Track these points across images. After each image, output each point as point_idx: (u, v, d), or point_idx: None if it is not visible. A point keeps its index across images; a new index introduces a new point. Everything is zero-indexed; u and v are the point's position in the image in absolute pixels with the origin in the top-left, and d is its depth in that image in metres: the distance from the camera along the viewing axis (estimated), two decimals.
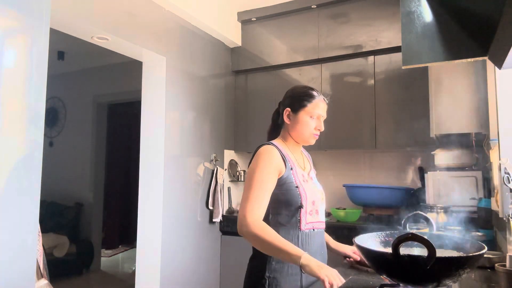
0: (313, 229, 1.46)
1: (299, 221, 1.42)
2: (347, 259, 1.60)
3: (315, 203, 1.47)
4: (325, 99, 1.55)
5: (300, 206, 1.42)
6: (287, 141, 1.53)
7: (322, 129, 1.52)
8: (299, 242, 1.41)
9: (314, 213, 1.46)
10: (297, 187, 1.42)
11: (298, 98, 1.50)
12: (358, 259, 1.53)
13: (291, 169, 1.44)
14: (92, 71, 5.03)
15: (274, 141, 1.51)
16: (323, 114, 1.52)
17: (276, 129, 1.58)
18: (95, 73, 5.01)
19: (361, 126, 3.05)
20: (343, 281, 1.22)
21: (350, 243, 1.24)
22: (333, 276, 1.19)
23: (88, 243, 4.81)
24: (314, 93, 1.51)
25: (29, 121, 1.21)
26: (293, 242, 1.39)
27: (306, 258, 1.23)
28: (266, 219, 1.41)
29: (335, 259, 1.62)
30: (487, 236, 2.02)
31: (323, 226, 1.54)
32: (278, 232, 1.36)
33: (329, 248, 1.62)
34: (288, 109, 1.51)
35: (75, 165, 5.07)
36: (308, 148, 1.64)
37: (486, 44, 1.15)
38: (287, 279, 1.38)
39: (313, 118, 1.49)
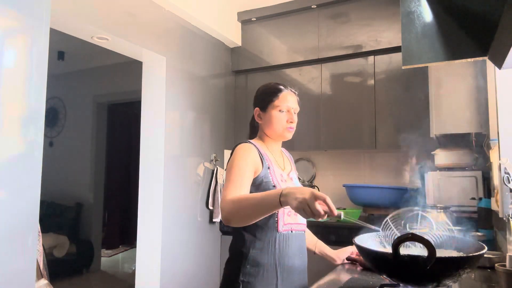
0: (291, 231, 1.40)
1: (277, 222, 1.37)
2: (351, 261, 1.60)
3: None
4: (294, 91, 1.52)
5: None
6: (264, 141, 1.51)
7: (295, 121, 1.48)
8: (276, 244, 1.36)
9: (292, 214, 1.40)
10: (274, 186, 1.38)
11: (265, 96, 1.49)
12: (361, 258, 1.52)
13: (268, 168, 1.41)
14: (92, 71, 5.03)
15: (252, 140, 1.49)
16: (294, 106, 1.48)
17: (253, 133, 1.57)
18: (95, 73, 5.01)
19: (361, 126, 3.05)
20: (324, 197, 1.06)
21: (350, 243, 1.24)
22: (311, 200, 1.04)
23: (88, 243, 4.81)
24: (281, 87, 1.49)
25: (29, 121, 1.21)
26: (270, 244, 1.35)
27: (285, 194, 1.11)
28: None
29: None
30: (487, 236, 2.02)
31: (303, 228, 1.48)
32: (254, 233, 1.36)
33: (328, 258, 1.59)
34: (257, 108, 1.50)
35: (75, 165, 5.07)
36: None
37: (486, 44, 1.15)
38: (262, 283, 1.33)
39: (283, 112, 1.45)
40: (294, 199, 1.07)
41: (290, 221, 1.40)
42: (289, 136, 1.49)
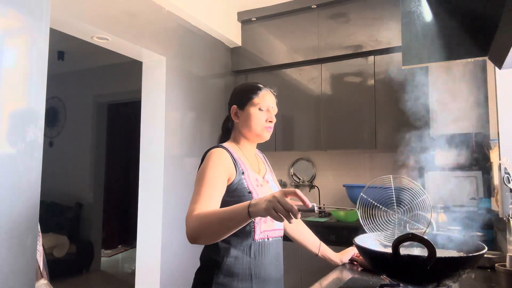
0: (268, 238, 1.32)
1: (253, 229, 1.28)
2: (351, 261, 1.59)
3: None
4: (272, 91, 1.48)
5: None
6: (239, 143, 1.42)
7: (274, 120, 1.41)
8: (251, 253, 1.28)
9: (269, 220, 1.32)
10: (250, 192, 1.29)
11: (243, 93, 1.42)
12: (361, 258, 1.52)
13: (243, 173, 1.32)
14: (92, 71, 5.03)
15: (224, 144, 1.39)
16: (273, 106, 1.43)
17: (226, 135, 1.48)
18: (95, 73, 5.01)
19: (361, 126, 3.05)
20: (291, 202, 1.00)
21: (350, 243, 1.24)
22: (278, 204, 0.98)
23: (88, 243, 4.81)
24: (260, 85, 1.44)
25: (29, 121, 1.21)
26: (245, 253, 1.28)
27: (253, 203, 1.05)
28: None
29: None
30: (487, 236, 2.02)
31: (280, 234, 1.40)
32: (229, 241, 1.26)
33: (331, 261, 1.55)
34: (235, 106, 1.42)
35: (75, 165, 5.06)
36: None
37: (486, 44, 1.15)
38: None
39: (263, 111, 1.39)
40: (263, 202, 1.01)
41: (266, 228, 1.32)
42: (267, 136, 1.41)
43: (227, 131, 1.48)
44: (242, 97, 1.41)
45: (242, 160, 1.36)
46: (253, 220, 1.13)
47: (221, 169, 1.27)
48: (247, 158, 1.40)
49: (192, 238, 1.16)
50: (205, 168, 1.27)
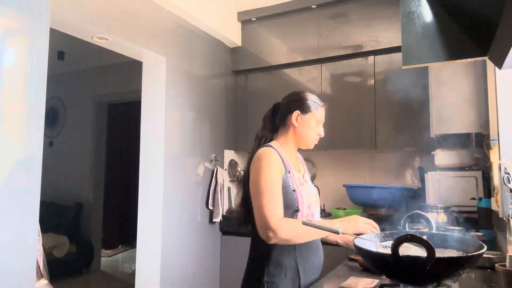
0: None
1: None
2: (353, 257, 1.60)
3: (311, 207, 1.47)
4: (324, 105, 1.60)
5: (297, 210, 1.42)
6: (286, 144, 1.54)
7: (323, 134, 1.57)
8: (296, 248, 1.40)
9: (310, 216, 1.46)
10: (294, 190, 1.42)
11: (308, 103, 1.53)
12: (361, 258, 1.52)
13: (289, 172, 1.44)
14: (92, 71, 5.03)
15: (272, 144, 1.50)
16: (323, 120, 1.58)
17: (270, 131, 1.58)
18: (95, 73, 5.01)
19: (361, 126, 3.05)
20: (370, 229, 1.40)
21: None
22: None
23: (88, 243, 4.81)
24: (319, 100, 1.57)
25: (29, 121, 1.21)
26: (290, 249, 1.39)
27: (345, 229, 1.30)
28: None
29: (339, 258, 1.62)
30: (487, 236, 2.02)
31: None
32: None
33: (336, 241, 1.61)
34: (298, 111, 1.52)
35: (75, 165, 5.07)
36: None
37: (486, 44, 1.15)
38: (285, 284, 1.37)
39: (318, 124, 1.54)
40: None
41: None
42: (312, 146, 1.57)
43: (273, 127, 1.58)
44: (308, 106, 1.52)
45: (287, 160, 1.48)
46: (296, 214, 1.41)
47: (276, 169, 1.40)
48: (290, 157, 1.52)
49: (282, 240, 1.33)
50: (261, 168, 1.39)
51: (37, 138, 1.23)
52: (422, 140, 2.68)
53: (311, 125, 1.51)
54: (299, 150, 1.63)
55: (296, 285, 1.38)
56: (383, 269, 1.01)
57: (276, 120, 1.58)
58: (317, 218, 1.51)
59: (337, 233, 1.17)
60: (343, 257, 1.71)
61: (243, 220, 1.50)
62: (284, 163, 1.44)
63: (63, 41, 3.28)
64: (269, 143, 1.51)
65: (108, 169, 5.53)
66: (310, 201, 1.47)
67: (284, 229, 1.31)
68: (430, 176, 2.53)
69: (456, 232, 1.93)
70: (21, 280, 1.17)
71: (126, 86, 4.62)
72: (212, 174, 3.24)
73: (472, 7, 1.18)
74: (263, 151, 1.44)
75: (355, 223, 1.41)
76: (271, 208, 1.33)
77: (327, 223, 1.38)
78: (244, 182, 1.49)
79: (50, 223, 4.55)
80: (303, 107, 1.52)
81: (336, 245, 1.62)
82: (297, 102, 1.55)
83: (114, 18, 2.40)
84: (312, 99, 1.54)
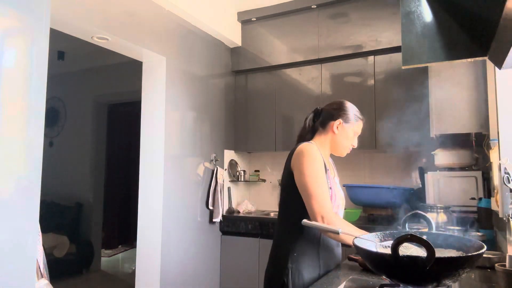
0: None
1: None
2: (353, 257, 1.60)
3: (339, 207, 1.58)
4: (363, 119, 1.68)
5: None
6: (322, 146, 1.61)
7: (356, 146, 1.66)
8: (321, 239, 1.51)
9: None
10: (330, 188, 1.51)
11: (352, 115, 1.62)
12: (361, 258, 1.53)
13: (328, 170, 1.54)
14: (92, 71, 5.02)
15: (312, 141, 1.60)
16: (360, 133, 1.67)
17: (309, 132, 1.66)
18: (95, 73, 5.01)
19: None
20: None
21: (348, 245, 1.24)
22: None
23: (88, 243, 4.81)
24: (360, 114, 1.65)
25: (29, 121, 1.21)
26: (315, 240, 1.49)
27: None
28: (293, 213, 1.50)
29: (341, 259, 1.62)
30: (487, 236, 2.02)
31: None
32: (302, 230, 1.46)
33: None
34: (340, 120, 1.60)
35: (75, 165, 5.06)
36: None
37: (486, 44, 1.15)
38: (308, 270, 1.47)
39: (354, 135, 1.63)
40: None
41: None
42: (344, 155, 1.66)
43: (312, 129, 1.66)
44: (350, 117, 1.61)
45: (325, 159, 1.57)
46: None
47: (319, 163, 1.49)
48: (326, 159, 1.60)
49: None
50: (306, 164, 1.47)
51: (37, 138, 1.23)
52: (422, 140, 2.68)
53: (348, 135, 1.60)
54: (331, 155, 1.71)
55: (317, 272, 1.49)
56: (383, 269, 1.01)
57: (316, 124, 1.66)
58: (341, 213, 1.62)
59: (337, 233, 1.21)
60: (343, 257, 1.71)
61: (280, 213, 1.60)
62: (323, 160, 1.53)
63: (63, 41, 3.27)
64: (310, 141, 1.60)
65: (108, 169, 5.53)
66: (339, 201, 1.58)
67: (338, 224, 1.39)
68: (430, 176, 2.53)
69: (456, 232, 1.93)
70: (21, 280, 1.17)
71: (126, 86, 4.62)
72: (212, 174, 3.24)
73: (472, 7, 1.18)
74: (305, 145, 1.53)
75: None
76: (323, 197, 1.42)
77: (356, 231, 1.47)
78: (282, 178, 1.59)
79: (50, 223, 4.55)
80: (346, 118, 1.61)
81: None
82: (342, 111, 1.63)
83: (114, 18, 2.40)
84: (354, 112, 1.63)
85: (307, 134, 1.66)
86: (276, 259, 1.55)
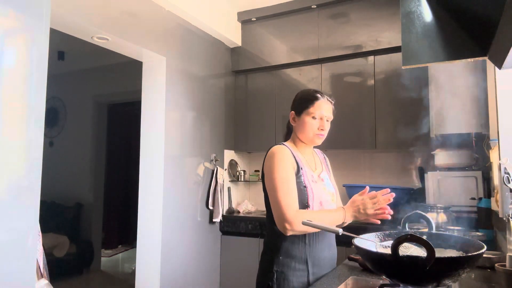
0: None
1: None
2: (353, 257, 1.60)
3: (323, 204, 1.51)
4: (330, 100, 1.59)
5: (307, 206, 1.45)
6: (296, 143, 1.59)
7: (326, 129, 1.56)
8: (306, 241, 1.45)
9: None
10: (305, 187, 1.47)
11: (301, 101, 1.57)
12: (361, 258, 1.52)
13: (301, 169, 1.50)
14: (92, 71, 5.02)
15: (284, 143, 1.58)
16: (327, 115, 1.55)
17: (288, 133, 1.66)
18: (95, 73, 5.01)
19: (361, 126, 3.05)
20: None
21: (350, 243, 1.24)
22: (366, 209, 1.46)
23: (88, 243, 4.81)
24: (318, 95, 1.55)
25: (29, 121, 1.21)
26: (300, 241, 1.45)
27: (348, 217, 1.47)
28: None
29: (339, 258, 1.62)
30: (487, 236, 2.02)
31: None
32: None
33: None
34: (293, 112, 1.59)
35: (75, 165, 5.06)
36: None
37: (486, 44, 1.15)
38: (294, 274, 1.43)
39: (316, 119, 1.53)
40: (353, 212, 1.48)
41: None
42: (318, 142, 1.57)
43: (289, 130, 1.65)
44: (300, 105, 1.56)
45: (300, 157, 1.54)
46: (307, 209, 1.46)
47: (288, 165, 1.46)
48: (303, 156, 1.57)
49: (298, 231, 1.40)
50: (272, 167, 1.46)
51: (37, 138, 1.23)
52: (422, 140, 2.68)
53: (307, 122, 1.53)
54: (324, 150, 1.68)
55: (305, 277, 1.43)
56: (383, 269, 1.01)
57: (289, 124, 1.66)
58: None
59: (337, 233, 1.19)
60: (343, 257, 1.71)
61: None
62: (296, 160, 1.50)
63: (63, 41, 3.28)
64: (282, 142, 1.59)
65: (108, 169, 5.52)
66: (322, 198, 1.51)
67: (300, 221, 1.35)
68: (430, 176, 2.53)
69: (456, 232, 1.93)
70: (21, 280, 1.17)
71: (126, 86, 4.62)
72: (212, 174, 3.24)
73: (472, 7, 1.18)
74: (275, 148, 1.51)
75: (353, 206, 1.49)
76: (287, 201, 1.39)
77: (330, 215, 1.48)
78: (262, 180, 1.56)
79: (50, 223, 4.54)
80: (296, 107, 1.58)
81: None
82: (293, 103, 1.62)
83: (114, 18, 2.40)
84: (307, 97, 1.56)
85: (286, 135, 1.67)
86: (263, 262, 1.53)
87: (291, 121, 1.60)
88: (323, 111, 1.54)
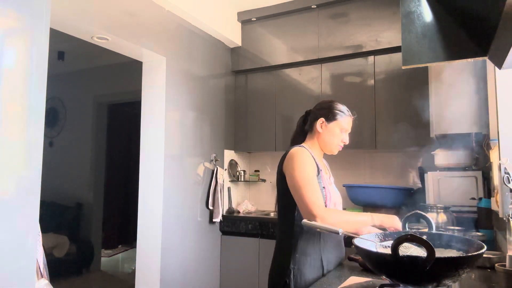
0: None
1: None
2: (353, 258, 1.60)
3: (336, 205, 1.59)
4: (352, 115, 1.69)
5: (325, 206, 1.50)
6: (313, 148, 1.65)
7: (347, 142, 1.66)
8: (321, 238, 1.51)
9: None
10: (324, 187, 1.53)
11: (335, 111, 1.64)
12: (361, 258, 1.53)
13: (321, 171, 1.56)
14: (92, 71, 5.02)
15: (303, 145, 1.63)
16: (349, 129, 1.68)
17: (301, 135, 1.70)
18: (95, 73, 5.01)
19: (361, 126, 3.05)
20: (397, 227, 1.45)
21: (350, 243, 1.24)
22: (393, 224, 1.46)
23: (88, 243, 4.81)
24: (346, 110, 1.67)
25: (29, 121, 1.21)
26: (315, 237, 1.50)
27: (375, 221, 1.48)
28: (291, 215, 1.52)
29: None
30: (487, 236, 2.02)
31: None
32: (302, 228, 1.48)
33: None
34: (323, 118, 1.63)
35: (75, 165, 5.06)
36: None
37: (486, 44, 1.15)
38: (310, 270, 1.48)
39: (342, 132, 1.63)
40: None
41: None
42: (335, 152, 1.67)
43: (302, 132, 1.70)
44: (333, 114, 1.63)
45: (317, 160, 1.59)
46: None
47: (310, 165, 1.51)
48: (318, 159, 1.63)
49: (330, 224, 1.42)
50: (294, 168, 1.50)
51: (37, 138, 1.23)
52: (422, 140, 2.68)
53: (334, 132, 1.61)
54: (325, 156, 1.73)
55: (320, 274, 1.49)
56: (383, 269, 1.01)
57: (306, 126, 1.70)
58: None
59: (337, 233, 1.21)
60: (343, 257, 1.71)
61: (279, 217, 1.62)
62: (315, 162, 1.55)
63: (63, 41, 3.27)
64: (301, 144, 1.64)
65: (108, 169, 5.52)
66: (335, 200, 1.59)
67: (331, 216, 1.40)
68: (430, 176, 2.53)
69: (456, 232, 1.93)
70: (21, 280, 1.17)
71: (126, 86, 4.62)
72: (212, 174, 3.24)
73: (472, 7, 1.18)
74: (296, 149, 1.56)
75: (392, 221, 1.50)
76: (314, 198, 1.43)
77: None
78: (277, 182, 1.60)
79: (50, 223, 4.55)
80: (329, 115, 1.63)
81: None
82: (324, 110, 1.66)
83: (114, 18, 2.40)
84: (339, 109, 1.64)
85: (299, 137, 1.70)
86: (278, 260, 1.57)
87: (317, 127, 1.63)
88: (348, 126, 1.66)
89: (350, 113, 1.68)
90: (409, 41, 1.32)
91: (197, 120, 3.13)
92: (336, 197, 1.61)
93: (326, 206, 1.51)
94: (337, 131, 1.62)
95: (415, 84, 2.79)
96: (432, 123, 2.43)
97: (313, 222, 1.27)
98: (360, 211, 3.01)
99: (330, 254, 1.54)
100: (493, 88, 1.70)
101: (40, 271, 1.38)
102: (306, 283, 1.45)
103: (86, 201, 4.95)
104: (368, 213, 1.51)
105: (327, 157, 1.81)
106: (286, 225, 1.55)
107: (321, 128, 1.63)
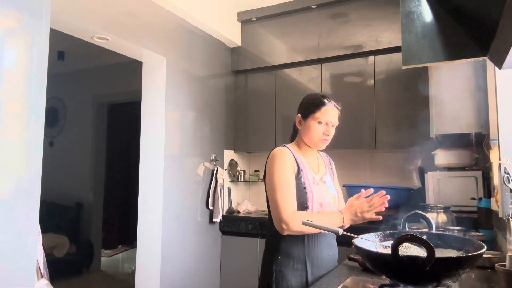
0: (320, 231, 1.49)
1: None
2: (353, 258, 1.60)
3: (323, 206, 1.51)
4: (337, 106, 1.60)
5: (306, 207, 1.47)
6: (300, 145, 1.61)
7: (330, 134, 1.57)
8: (305, 241, 1.47)
9: None
10: (305, 188, 1.49)
11: (308, 105, 1.58)
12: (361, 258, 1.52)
13: (302, 170, 1.52)
14: (92, 71, 5.02)
15: (287, 145, 1.60)
16: (333, 120, 1.56)
17: (294, 135, 1.68)
18: (95, 73, 5.01)
19: (361, 126, 3.05)
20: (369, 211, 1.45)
21: (350, 243, 1.24)
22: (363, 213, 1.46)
23: (88, 243, 4.81)
24: (325, 100, 1.56)
25: (29, 121, 1.21)
26: (299, 242, 1.46)
27: (346, 220, 1.47)
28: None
29: (339, 258, 1.62)
30: (487, 236, 2.02)
31: None
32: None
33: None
34: (299, 115, 1.60)
35: (75, 165, 5.06)
36: None
37: (486, 44, 1.15)
38: (293, 273, 1.44)
39: (322, 124, 1.54)
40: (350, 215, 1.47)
41: None
42: (322, 146, 1.59)
43: (294, 132, 1.67)
44: (307, 108, 1.57)
45: (301, 159, 1.56)
46: (306, 211, 1.47)
47: (287, 166, 1.48)
48: (306, 158, 1.59)
49: (294, 231, 1.42)
50: (272, 168, 1.49)
51: (37, 138, 1.23)
52: (422, 140, 2.68)
53: (312, 126, 1.54)
54: (324, 150, 1.67)
55: (304, 277, 1.44)
56: (383, 269, 1.01)
57: (295, 125, 1.67)
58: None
59: (337, 233, 1.20)
60: (343, 257, 1.71)
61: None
62: (296, 162, 1.52)
63: (63, 41, 3.27)
64: (284, 144, 1.61)
65: (108, 169, 5.52)
66: (322, 200, 1.52)
67: (296, 221, 1.38)
68: (430, 176, 2.53)
69: (456, 232, 1.93)
70: (21, 280, 1.17)
71: (126, 86, 4.62)
72: (212, 174, 3.24)
73: (472, 7, 1.18)
74: (276, 150, 1.54)
75: (351, 210, 1.48)
76: (285, 201, 1.42)
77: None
78: (264, 181, 1.57)
79: (50, 223, 4.54)
80: (303, 111, 1.59)
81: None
82: (301, 106, 1.63)
83: (114, 18, 2.40)
84: (314, 102, 1.56)
85: (293, 136, 1.68)
86: (263, 262, 1.55)
87: (296, 123, 1.61)
88: (329, 116, 1.54)
89: (332, 103, 1.57)
90: (409, 41, 1.32)
91: (197, 120, 3.13)
92: (324, 196, 1.53)
93: (308, 207, 1.47)
94: (315, 124, 1.53)
95: (415, 84, 2.78)
96: (432, 123, 2.43)
97: (312, 222, 1.25)
98: None
99: (317, 256, 1.48)
100: (493, 88, 1.70)
101: (40, 271, 1.38)
102: (289, 286, 1.42)
103: (86, 201, 4.94)
104: (337, 212, 1.49)
105: (331, 154, 1.81)
106: (271, 226, 1.51)
107: (300, 124, 1.60)
